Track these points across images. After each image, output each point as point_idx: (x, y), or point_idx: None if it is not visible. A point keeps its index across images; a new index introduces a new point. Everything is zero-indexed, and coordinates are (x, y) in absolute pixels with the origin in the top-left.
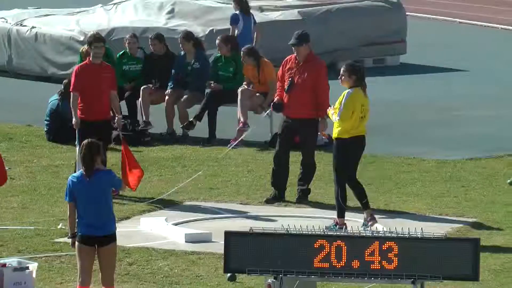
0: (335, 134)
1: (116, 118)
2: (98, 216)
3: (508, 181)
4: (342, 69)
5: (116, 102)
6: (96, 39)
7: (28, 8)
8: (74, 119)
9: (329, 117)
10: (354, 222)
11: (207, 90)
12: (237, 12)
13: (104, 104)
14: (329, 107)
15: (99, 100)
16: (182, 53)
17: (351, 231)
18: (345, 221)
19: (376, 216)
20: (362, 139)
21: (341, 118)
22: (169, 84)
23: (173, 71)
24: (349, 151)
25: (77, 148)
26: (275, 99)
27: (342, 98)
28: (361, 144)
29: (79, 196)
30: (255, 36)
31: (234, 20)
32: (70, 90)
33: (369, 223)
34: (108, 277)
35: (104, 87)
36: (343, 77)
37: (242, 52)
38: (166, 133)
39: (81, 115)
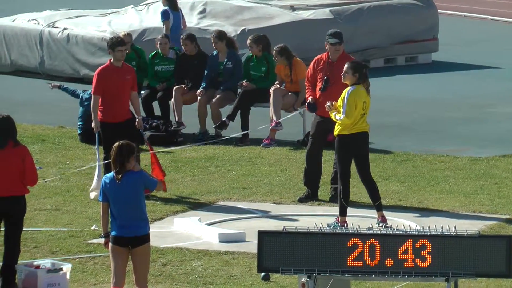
0: (336, 131)
1: (137, 119)
2: (129, 217)
3: None
4: (345, 66)
5: (136, 102)
6: (118, 43)
7: (60, 9)
8: (93, 122)
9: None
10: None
11: (240, 90)
12: (166, 8)
13: (125, 106)
14: (330, 109)
15: (120, 102)
16: (215, 52)
17: (385, 230)
18: (346, 219)
19: (408, 215)
20: (365, 135)
21: (346, 115)
22: (202, 84)
23: (205, 71)
24: (350, 148)
25: (97, 151)
26: (309, 99)
27: (344, 96)
28: (365, 141)
29: (111, 197)
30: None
31: (165, 16)
32: (92, 92)
33: (379, 225)
34: (142, 278)
35: (126, 89)
36: (346, 74)
37: (274, 51)
38: (199, 133)
39: (104, 118)
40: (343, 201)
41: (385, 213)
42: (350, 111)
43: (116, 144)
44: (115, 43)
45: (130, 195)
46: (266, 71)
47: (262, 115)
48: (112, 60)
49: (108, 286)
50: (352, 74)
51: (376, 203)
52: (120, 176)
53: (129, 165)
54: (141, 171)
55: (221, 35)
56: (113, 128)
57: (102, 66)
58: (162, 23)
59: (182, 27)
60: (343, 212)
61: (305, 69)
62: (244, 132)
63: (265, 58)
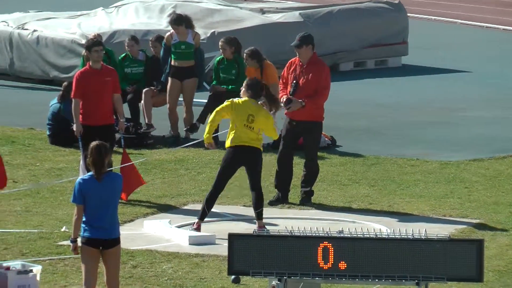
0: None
1: (119, 121)
2: (107, 218)
3: None
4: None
5: (119, 105)
6: (94, 43)
7: (29, 11)
8: (75, 126)
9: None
10: (331, 223)
11: (209, 93)
12: None
13: (107, 108)
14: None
15: (101, 105)
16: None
17: (356, 233)
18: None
19: (378, 218)
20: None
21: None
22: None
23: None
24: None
25: (81, 155)
26: (283, 97)
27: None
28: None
29: (90, 199)
30: None
31: None
32: (72, 96)
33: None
34: (114, 280)
35: (107, 91)
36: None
37: (245, 54)
38: (171, 136)
39: (84, 121)
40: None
41: (356, 216)
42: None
43: (94, 144)
44: (91, 44)
45: (111, 195)
46: (236, 74)
47: None
48: (90, 63)
49: None
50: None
51: (257, 210)
52: (101, 176)
53: (106, 166)
54: (120, 174)
55: (179, 19)
56: (93, 132)
57: (81, 69)
58: None
59: None
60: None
61: (276, 72)
62: (214, 135)
63: (235, 60)
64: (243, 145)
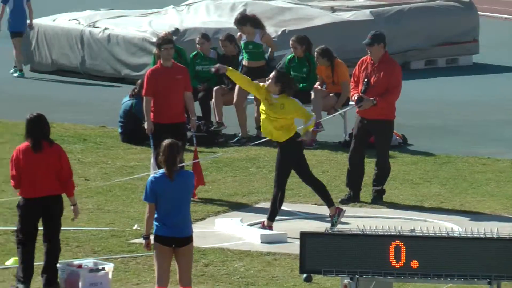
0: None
1: (191, 119)
2: (180, 217)
3: None
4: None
5: (190, 103)
6: (164, 41)
7: (100, 9)
8: (146, 124)
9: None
10: (403, 221)
11: None
12: None
13: (178, 106)
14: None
15: (172, 103)
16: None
17: (428, 232)
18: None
19: (449, 217)
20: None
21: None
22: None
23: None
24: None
25: (152, 153)
26: (355, 95)
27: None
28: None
29: (162, 197)
30: (27, 12)
31: (3, 0)
32: (143, 94)
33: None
34: (186, 278)
35: (178, 89)
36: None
37: (315, 53)
38: (240, 138)
39: (155, 119)
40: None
41: (427, 214)
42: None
43: (167, 142)
44: (162, 41)
45: (183, 193)
46: (307, 72)
47: None
48: (161, 61)
49: (150, 286)
50: (274, 83)
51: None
52: (173, 175)
53: (178, 164)
54: (192, 172)
55: (244, 19)
56: (164, 130)
57: (152, 67)
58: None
59: (27, 10)
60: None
61: (347, 71)
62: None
63: (306, 58)
64: None
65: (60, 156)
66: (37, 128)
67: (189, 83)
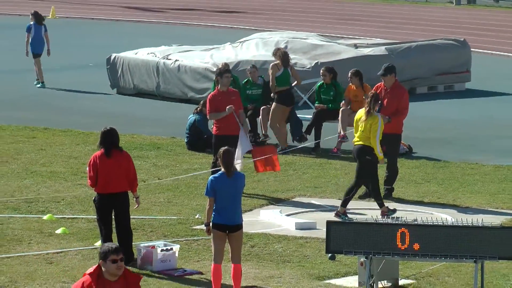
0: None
1: (243, 127)
2: (234, 208)
3: None
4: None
5: (242, 118)
6: (225, 70)
7: (172, 45)
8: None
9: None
10: (408, 213)
11: (314, 110)
12: (32, 23)
13: (234, 121)
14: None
15: (230, 119)
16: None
17: (427, 221)
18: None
19: (444, 210)
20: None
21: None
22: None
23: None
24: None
25: (213, 157)
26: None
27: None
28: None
29: (221, 192)
30: (45, 40)
31: (27, 29)
32: (207, 114)
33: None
34: (237, 256)
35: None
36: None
37: (350, 73)
38: (280, 148)
39: (217, 131)
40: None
41: (426, 208)
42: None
43: (224, 150)
44: (223, 70)
45: (237, 190)
46: (334, 95)
47: (332, 130)
48: (219, 86)
49: (208, 263)
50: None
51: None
52: (231, 174)
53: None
54: (244, 174)
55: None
56: (225, 140)
57: (212, 93)
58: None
59: (45, 39)
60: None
61: None
62: (316, 142)
63: (333, 84)
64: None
65: (128, 161)
66: (109, 138)
67: (240, 103)
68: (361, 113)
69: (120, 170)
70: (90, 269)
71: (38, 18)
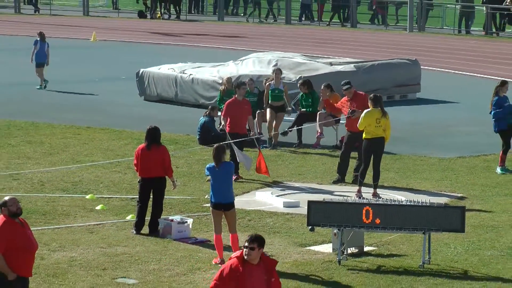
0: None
1: (252, 132)
2: (223, 191)
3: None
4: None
5: (251, 123)
6: (242, 83)
7: (188, 62)
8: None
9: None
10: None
11: (297, 113)
12: (38, 39)
13: (244, 124)
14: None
15: (241, 122)
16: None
17: (386, 201)
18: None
19: (400, 192)
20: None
21: (359, 126)
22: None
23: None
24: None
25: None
26: (350, 109)
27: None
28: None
29: (214, 178)
30: (47, 54)
31: (34, 43)
32: (222, 115)
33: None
34: (233, 228)
35: (244, 114)
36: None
37: (323, 86)
38: (271, 141)
39: (229, 130)
40: (361, 178)
41: (384, 191)
42: (362, 124)
43: (216, 146)
44: (240, 83)
45: (224, 177)
46: (312, 102)
47: (312, 130)
48: (236, 96)
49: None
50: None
51: (375, 182)
52: (217, 165)
53: (224, 158)
54: (231, 162)
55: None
56: (235, 137)
57: (229, 100)
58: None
59: (46, 54)
60: (360, 185)
61: (339, 99)
62: (299, 141)
63: (310, 93)
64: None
65: (164, 153)
66: (151, 134)
67: (250, 110)
68: (376, 115)
69: (157, 160)
70: (236, 253)
71: (42, 37)
